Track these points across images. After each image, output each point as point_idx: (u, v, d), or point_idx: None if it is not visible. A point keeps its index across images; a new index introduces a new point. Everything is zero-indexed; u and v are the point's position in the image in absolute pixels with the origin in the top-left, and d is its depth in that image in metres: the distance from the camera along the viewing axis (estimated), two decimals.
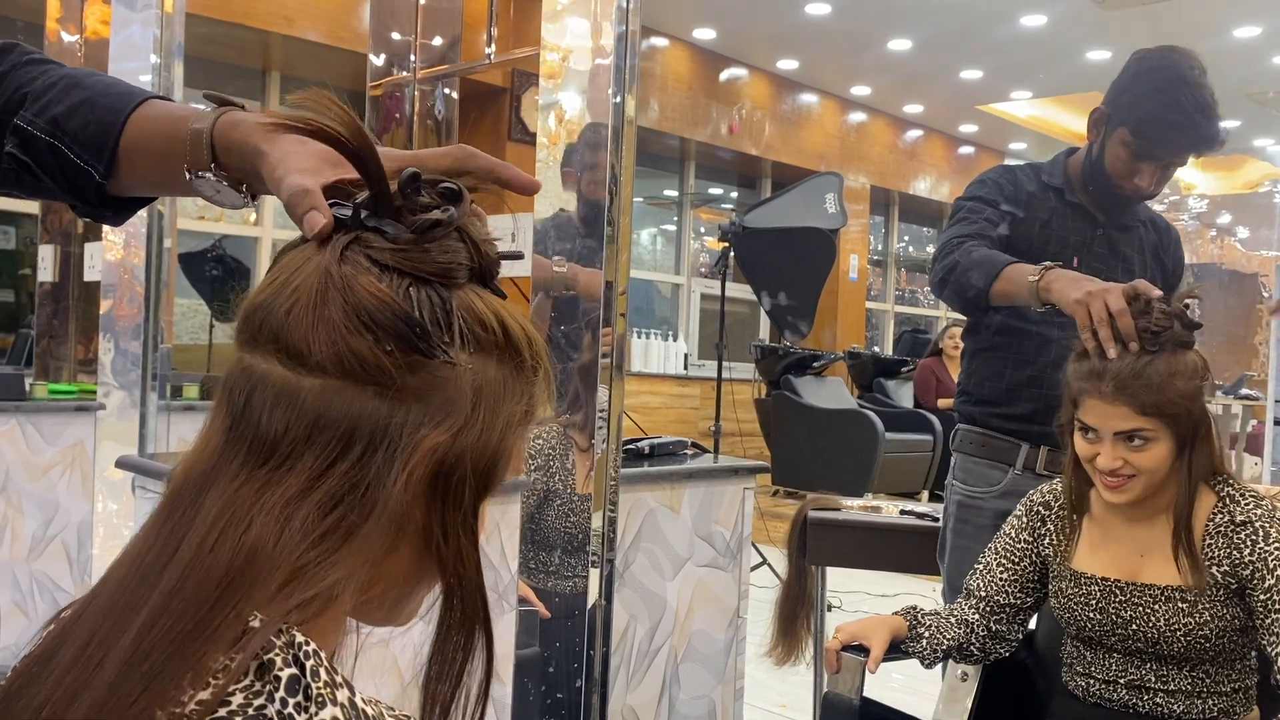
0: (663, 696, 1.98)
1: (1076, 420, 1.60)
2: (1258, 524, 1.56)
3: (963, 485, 2.13)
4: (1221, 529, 1.58)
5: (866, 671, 1.67)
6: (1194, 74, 1.96)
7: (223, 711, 0.49)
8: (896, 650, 1.73)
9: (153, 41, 2.31)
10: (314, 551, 0.54)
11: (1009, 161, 6.19)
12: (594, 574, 1.48)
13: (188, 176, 0.73)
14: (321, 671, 0.50)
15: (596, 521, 1.51)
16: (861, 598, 4.79)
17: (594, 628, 1.46)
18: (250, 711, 0.49)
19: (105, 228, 2.58)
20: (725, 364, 5.22)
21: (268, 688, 0.49)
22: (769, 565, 5.17)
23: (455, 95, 2.06)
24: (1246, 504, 1.58)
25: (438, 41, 2.21)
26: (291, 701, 0.49)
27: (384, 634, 0.64)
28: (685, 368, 8.63)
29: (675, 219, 9.74)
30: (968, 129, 10.95)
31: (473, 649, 0.59)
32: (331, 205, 0.60)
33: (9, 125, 0.77)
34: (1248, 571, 1.54)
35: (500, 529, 1.51)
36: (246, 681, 0.50)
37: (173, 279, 2.74)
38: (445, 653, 0.58)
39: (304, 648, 0.51)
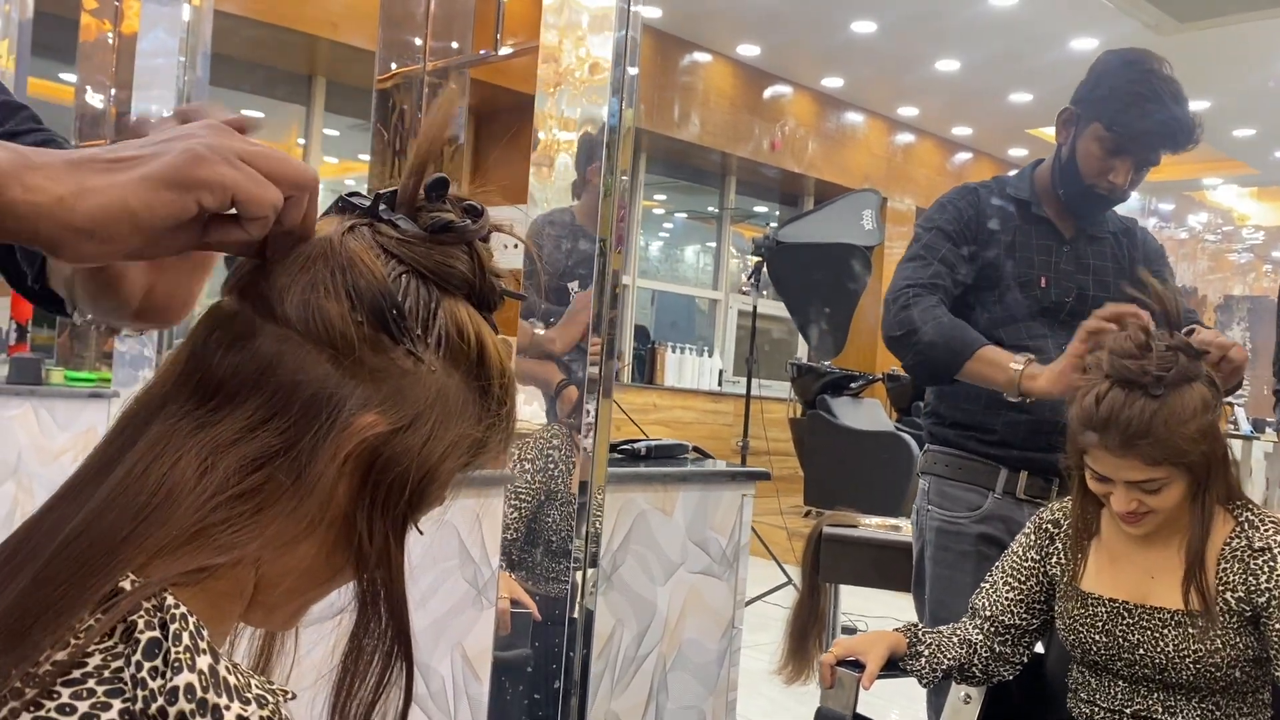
0: (650, 704, 1.94)
1: (1086, 465, 1.53)
2: (1276, 550, 1.49)
3: (940, 510, 2.05)
4: (1238, 554, 1.51)
5: (861, 688, 1.62)
6: (1165, 69, 1.92)
7: (77, 673, 0.47)
8: (895, 667, 1.68)
9: (179, 43, 2.33)
10: (224, 511, 0.53)
11: None
12: (576, 576, 1.45)
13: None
14: (184, 636, 0.48)
15: (580, 529, 1.48)
16: (890, 624, 4.71)
17: (574, 630, 1.43)
18: (107, 674, 0.47)
19: None
20: (762, 382, 5.18)
21: (127, 650, 0.48)
22: (794, 585, 5.11)
23: (466, 86, 2.05)
24: (1266, 529, 1.51)
25: (454, 45, 2.21)
26: (147, 665, 0.47)
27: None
28: (719, 384, 8.58)
29: (716, 234, 9.73)
30: (1018, 153, 10.82)
31: (391, 665, 0.57)
32: (351, 196, 0.62)
33: None
34: (1264, 599, 1.47)
35: (482, 522, 1.49)
36: (110, 643, 0.48)
37: None
38: (359, 666, 0.57)
39: (172, 610, 0.49)
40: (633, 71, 1.53)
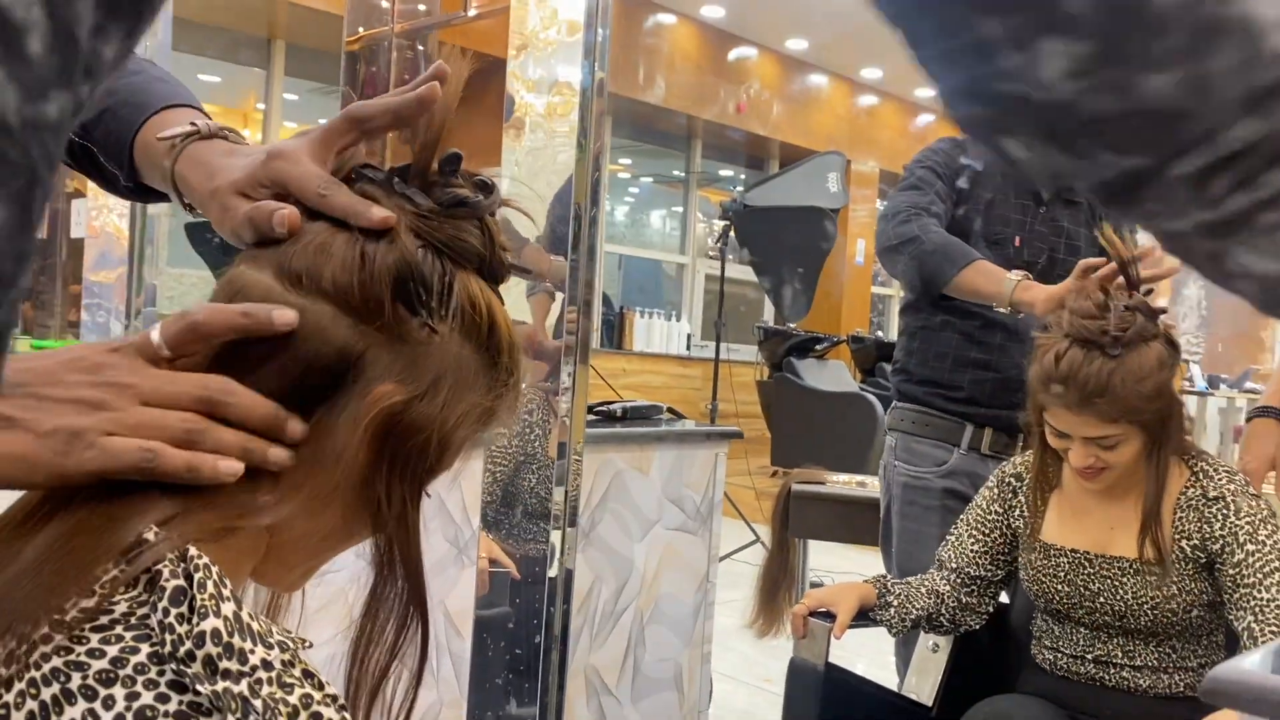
0: (627, 657, 1.98)
1: (1045, 421, 1.58)
2: (1229, 499, 1.54)
3: (906, 466, 2.11)
4: (1193, 503, 1.56)
5: (833, 638, 1.67)
6: None
7: (104, 619, 0.49)
8: (865, 618, 1.72)
9: None
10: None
11: None
12: (555, 535, 1.48)
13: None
14: (209, 584, 0.50)
15: (559, 490, 1.51)
16: (855, 579, 4.79)
17: (555, 586, 1.46)
18: (133, 620, 0.49)
19: (91, 187, 2.57)
20: (730, 345, 5.21)
21: (153, 598, 0.50)
22: (763, 544, 5.18)
23: (437, 50, 2.04)
24: (1219, 479, 1.57)
25: (421, 7, 2.19)
26: (174, 611, 0.49)
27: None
28: (688, 348, 8.61)
29: (683, 199, 9.72)
30: None
31: (407, 625, 0.60)
32: (364, 168, 0.63)
33: None
34: (1217, 545, 1.53)
35: (462, 483, 1.51)
36: (135, 592, 0.50)
37: (160, 242, 2.74)
38: (376, 626, 0.59)
39: (195, 561, 0.51)
40: (604, 33, 1.53)
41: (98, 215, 2.67)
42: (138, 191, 0.80)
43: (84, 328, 2.41)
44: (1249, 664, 0.76)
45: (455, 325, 0.60)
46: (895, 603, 1.74)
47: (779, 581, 2.69)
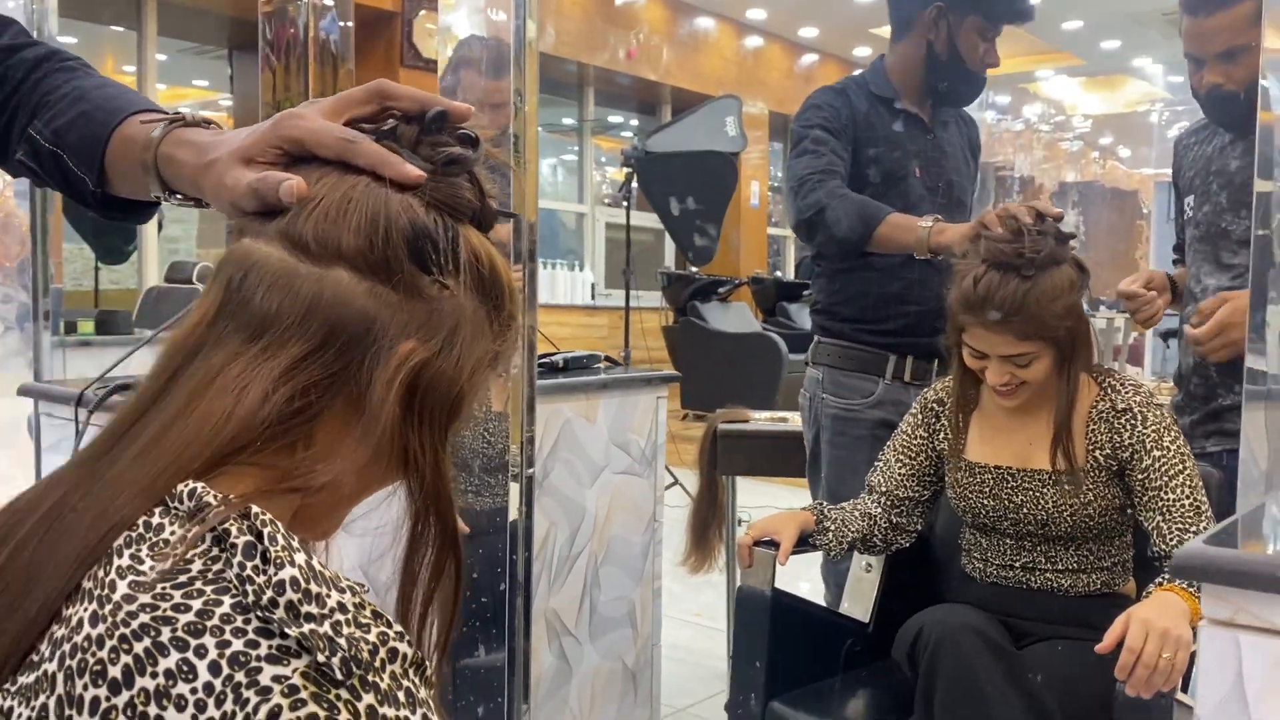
0: (584, 599, 2.04)
1: (963, 342, 1.67)
2: (1137, 410, 1.67)
3: (835, 399, 2.20)
4: (1104, 415, 1.68)
5: (777, 564, 1.75)
6: None
7: (183, 578, 0.51)
8: (805, 543, 1.81)
9: None
10: (289, 437, 0.59)
11: None
12: (514, 488, 1.52)
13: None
14: (279, 537, 0.53)
15: (515, 439, 1.54)
16: (771, 513, 4.92)
17: (515, 537, 1.50)
18: (210, 575, 0.52)
19: None
20: (633, 292, 5.25)
21: (224, 555, 0.52)
22: (681, 486, 5.28)
23: (350, 12, 2.01)
24: (1127, 392, 1.69)
25: None
26: (249, 564, 0.51)
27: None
28: (593, 297, 8.64)
29: (576, 147, 9.66)
30: (862, 53, 11.03)
31: (446, 562, 0.63)
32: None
33: (26, 133, 0.81)
34: (1127, 454, 1.66)
35: None
36: (204, 548, 0.53)
37: (59, 218, 2.65)
38: (414, 560, 0.63)
39: (260, 517, 0.53)
40: None
41: None
42: (104, 203, 0.80)
43: None
44: (1204, 542, 0.86)
45: (464, 279, 0.62)
46: (833, 528, 1.83)
47: (709, 520, 2.78)
